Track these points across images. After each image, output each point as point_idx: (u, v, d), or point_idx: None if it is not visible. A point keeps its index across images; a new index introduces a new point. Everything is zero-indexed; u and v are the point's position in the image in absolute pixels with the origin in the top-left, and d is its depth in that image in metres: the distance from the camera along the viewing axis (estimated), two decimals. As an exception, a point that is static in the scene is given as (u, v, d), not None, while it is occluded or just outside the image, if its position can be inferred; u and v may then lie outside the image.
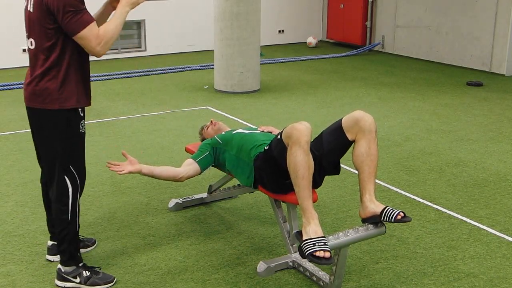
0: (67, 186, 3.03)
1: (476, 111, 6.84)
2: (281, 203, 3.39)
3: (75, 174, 3.06)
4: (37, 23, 2.87)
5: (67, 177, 3.03)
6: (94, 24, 2.85)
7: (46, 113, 2.94)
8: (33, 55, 2.95)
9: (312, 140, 3.25)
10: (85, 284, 3.13)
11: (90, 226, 3.85)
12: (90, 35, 2.83)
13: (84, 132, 3.10)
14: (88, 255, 3.47)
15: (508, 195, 4.39)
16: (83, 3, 2.88)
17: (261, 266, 3.28)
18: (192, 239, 3.69)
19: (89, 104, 3.10)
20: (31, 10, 2.89)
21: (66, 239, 3.09)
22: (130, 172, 3.26)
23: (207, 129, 3.96)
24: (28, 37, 2.95)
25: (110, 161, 3.27)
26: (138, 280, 3.22)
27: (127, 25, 10.30)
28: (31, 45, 2.93)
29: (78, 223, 3.14)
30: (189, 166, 3.52)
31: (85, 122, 3.10)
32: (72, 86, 2.94)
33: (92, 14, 3.00)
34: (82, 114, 3.06)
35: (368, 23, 11.09)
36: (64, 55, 2.89)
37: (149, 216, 4.01)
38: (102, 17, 3.19)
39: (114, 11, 3.11)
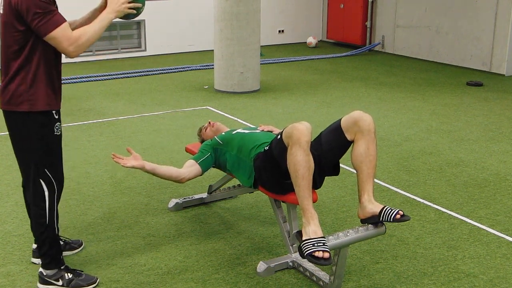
0: (43, 189, 3.02)
1: (476, 111, 6.85)
2: (281, 203, 3.39)
3: (51, 177, 3.03)
4: (7, 25, 2.85)
5: (43, 181, 3.01)
6: (65, 25, 2.82)
7: (17, 115, 2.93)
8: (3, 57, 2.93)
9: (311, 140, 3.25)
10: (67, 286, 3.11)
11: (90, 226, 3.85)
12: (62, 36, 2.80)
13: (60, 135, 3.07)
14: (88, 255, 3.48)
15: (508, 195, 4.39)
16: (54, 3, 2.84)
17: (261, 266, 3.28)
18: (192, 239, 3.69)
19: (59, 107, 3.05)
20: (1, 12, 2.87)
21: (46, 242, 3.08)
22: (133, 167, 3.22)
23: (205, 131, 3.95)
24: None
25: (115, 153, 3.25)
26: (138, 280, 3.22)
27: (127, 25, 10.31)
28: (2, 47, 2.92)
29: (57, 226, 3.13)
30: (191, 167, 3.51)
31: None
32: (41, 89, 2.91)
33: (79, 17, 2.98)
34: (56, 117, 3.02)
35: (368, 23, 11.09)
36: (32, 58, 2.86)
37: (149, 216, 4.01)
38: (88, 22, 3.16)
39: None
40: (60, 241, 3.45)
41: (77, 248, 3.53)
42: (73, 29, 2.90)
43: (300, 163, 2.88)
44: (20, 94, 2.89)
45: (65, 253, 3.40)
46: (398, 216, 2.91)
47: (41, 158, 2.99)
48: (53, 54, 2.93)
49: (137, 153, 3.31)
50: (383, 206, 2.98)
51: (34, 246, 3.40)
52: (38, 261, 3.34)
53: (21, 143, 3.01)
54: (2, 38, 2.91)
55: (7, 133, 3.08)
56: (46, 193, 3.03)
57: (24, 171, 3.07)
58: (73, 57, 2.92)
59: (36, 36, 2.83)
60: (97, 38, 2.93)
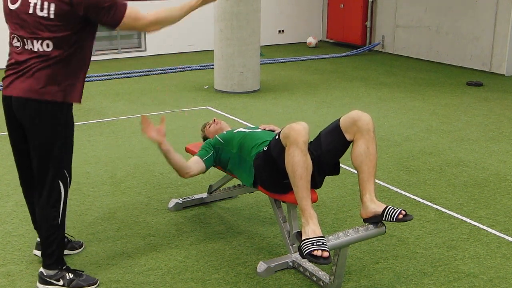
0: (61, 191, 2.99)
1: (476, 111, 6.85)
2: (281, 203, 3.39)
3: (68, 177, 3.02)
4: (41, 22, 2.76)
5: (61, 182, 2.99)
6: (130, 8, 2.85)
7: (46, 105, 2.83)
8: (22, 49, 2.83)
9: (311, 140, 3.26)
10: (68, 286, 3.09)
11: (90, 226, 3.85)
12: (131, 19, 2.85)
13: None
14: (89, 255, 3.47)
15: (508, 195, 4.39)
16: None
17: (261, 266, 3.28)
18: (192, 239, 3.69)
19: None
20: (31, 12, 2.77)
21: (55, 242, 3.05)
22: (152, 139, 3.28)
23: (209, 127, 3.98)
24: (33, 38, 2.80)
25: (146, 117, 3.28)
26: (138, 280, 3.22)
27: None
28: (30, 44, 2.80)
29: (65, 224, 3.12)
30: (196, 164, 3.51)
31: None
32: (78, 82, 2.91)
33: None
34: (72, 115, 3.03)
35: (368, 23, 11.09)
36: (73, 51, 2.83)
37: (149, 216, 4.01)
38: None
39: None
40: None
41: (78, 249, 3.53)
42: None
43: (298, 163, 2.89)
44: (59, 83, 2.82)
45: (65, 252, 3.41)
46: (400, 216, 2.90)
47: (61, 157, 2.96)
48: (90, 47, 2.94)
49: (163, 128, 3.34)
50: (385, 205, 2.98)
51: (39, 239, 3.38)
52: (40, 253, 3.33)
53: (44, 138, 2.89)
54: (34, 32, 2.78)
55: (7, 133, 3.06)
56: (62, 194, 3.00)
57: (41, 172, 2.98)
58: (148, 31, 3.03)
59: (80, 30, 2.82)
60: (172, 23, 3.04)
